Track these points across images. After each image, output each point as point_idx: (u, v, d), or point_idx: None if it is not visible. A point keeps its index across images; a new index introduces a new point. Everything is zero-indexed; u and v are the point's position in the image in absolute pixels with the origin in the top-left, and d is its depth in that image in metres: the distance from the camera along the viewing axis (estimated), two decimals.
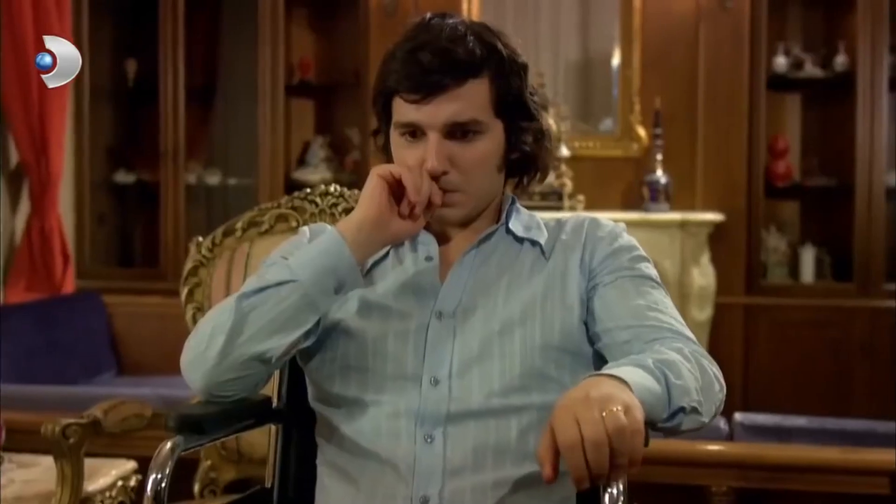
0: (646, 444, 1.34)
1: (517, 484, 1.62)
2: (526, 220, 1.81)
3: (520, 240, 1.77)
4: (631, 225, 1.88)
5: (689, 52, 5.55)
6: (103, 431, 2.48)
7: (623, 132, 5.65)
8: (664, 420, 1.48)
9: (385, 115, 1.75)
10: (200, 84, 6.03)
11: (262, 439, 2.20)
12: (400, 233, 1.68)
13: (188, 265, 2.70)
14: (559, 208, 5.34)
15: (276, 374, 1.86)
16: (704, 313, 5.35)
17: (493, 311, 1.69)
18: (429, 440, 1.63)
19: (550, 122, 1.97)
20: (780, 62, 5.59)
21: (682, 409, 1.48)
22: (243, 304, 1.63)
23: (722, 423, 2.91)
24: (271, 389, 1.87)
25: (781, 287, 5.62)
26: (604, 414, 1.28)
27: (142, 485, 2.99)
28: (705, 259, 5.43)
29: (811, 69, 5.61)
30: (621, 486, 1.39)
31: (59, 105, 5.23)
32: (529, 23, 5.63)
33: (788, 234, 5.77)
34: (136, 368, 5.16)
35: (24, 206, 5.35)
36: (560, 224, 1.81)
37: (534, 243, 1.77)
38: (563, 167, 5.38)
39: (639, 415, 1.31)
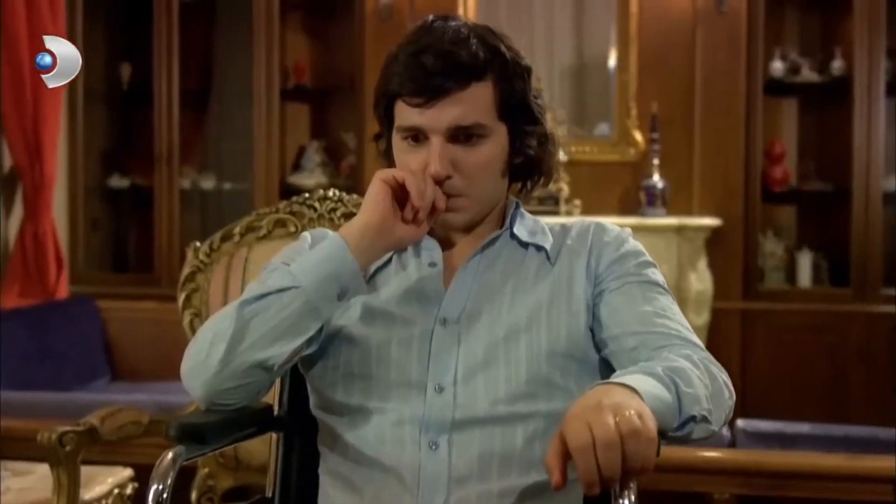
0: (657, 453, 1.32)
1: (523, 493, 1.60)
2: (530, 224, 1.78)
3: (524, 245, 1.75)
4: None
5: (686, 56, 5.54)
6: (100, 439, 2.45)
7: (620, 136, 5.64)
8: (674, 429, 1.46)
9: (387, 119, 1.73)
10: (195, 88, 6.01)
11: (261, 446, 2.18)
12: (403, 238, 1.66)
13: (185, 270, 2.68)
14: (556, 213, 5.32)
15: (277, 381, 1.83)
16: (701, 318, 5.34)
17: (497, 317, 1.67)
18: (433, 447, 1.60)
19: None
20: (777, 67, 5.58)
21: (692, 418, 1.46)
22: (245, 310, 1.60)
23: (724, 430, 2.87)
24: (272, 397, 1.85)
25: (778, 292, 5.61)
26: (617, 418, 1.26)
27: (139, 493, 2.98)
28: (702, 264, 5.41)
29: (808, 74, 5.61)
30: (633, 497, 1.36)
31: (52, 109, 5.19)
32: (524, 27, 5.61)
33: (785, 239, 5.76)
34: (131, 374, 5.13)
35: (18, 211, 5.31)
36: (565, 229, 1.79)
37: (539, 248, 1.75)
38: (560, 172, 5.36)
39: (651, 423, 1.29)
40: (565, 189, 5.44)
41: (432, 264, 1.73)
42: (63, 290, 5.32)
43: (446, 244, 1.75)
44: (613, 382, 1.39)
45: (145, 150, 5.88)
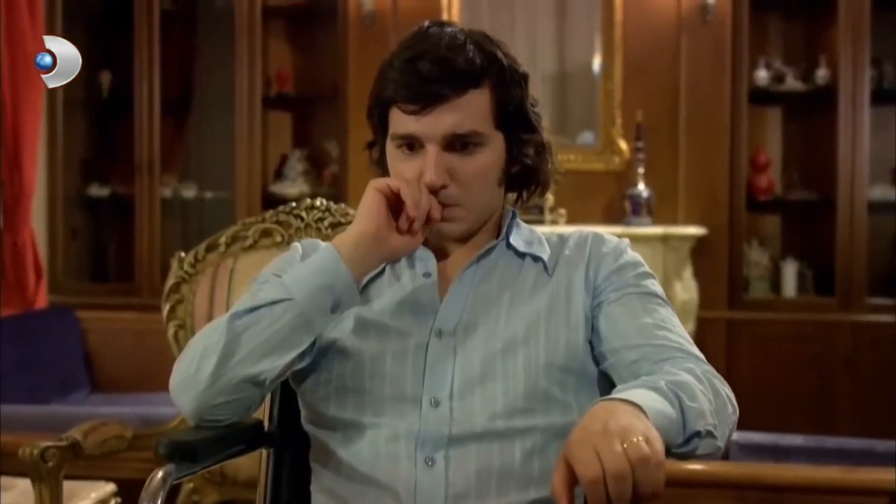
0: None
1: None
2: (527, 234, 1.75)
3: (521, 255, 1.71)
4: None
5: (671, 64, 5.52)
6: (83, 454, 2.39)
7: (605, 145, 5.61)
8: (679, 445, 1.42)
9: (381, 126, 1.69)
10: (176, 96, 5.96)
11: (248, 461, 2.12)
12: (398, 249, 1.61)
13: (170, 281, 2.63)
14: (540, 222, 5.29)
15: (267, 395, 1.78)
16: (687, 328, 5.20)
17: (494, 329, 1.63)
18: (430, 463, 1.56)
19: None
20: (762, 76, 5.56)
21: (697, 434, 1.42)
22: (235, 323, 1.56)
23: None
24: (262, 412, 1.80)
25: (763, 301, 5.59)
26: (625, 445, 1.22)
27: None
28: (688, 273, 5.39)
29: (792, 82, 5.60)
30: None
31: (32, 117, 5.12)
32: (505, 34, 5.51)
33: (770, 249, 5.74)
34: (111, 386, 5.06)
35: None
36: (562, 239, 1.75)
37: (536, 259, 1.71)
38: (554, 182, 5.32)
39: (659, 446, 1.25)
40: (550, 198, 5.41)
41: (427, 275, 1.69)
42: (42, 301, 5.25)
43: (441, 254, 1.71)
44: (616, 399, 1.35)
45: (125, 159, 5.83)
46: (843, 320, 5.40)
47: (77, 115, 5.94)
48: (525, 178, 1.72)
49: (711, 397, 1.48)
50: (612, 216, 5.57)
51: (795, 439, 2.85)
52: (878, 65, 5.50)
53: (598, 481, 1.21)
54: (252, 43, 5.66)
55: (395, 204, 1.60)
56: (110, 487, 2.94)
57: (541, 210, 5.37)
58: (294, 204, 2.65)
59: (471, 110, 1.61)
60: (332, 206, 2.64)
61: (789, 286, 5.60)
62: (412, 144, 1.63)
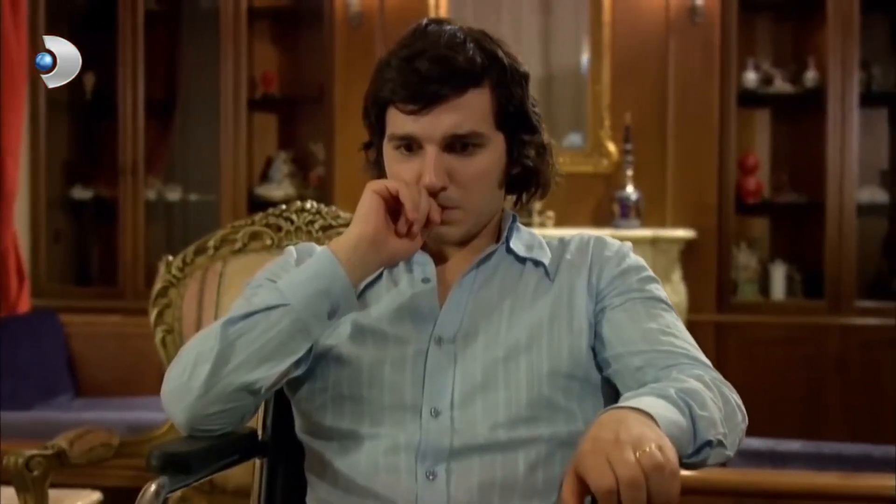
0: None
1: None
2: (527, 238, 1.70)
3: (522, 260, 1.67)
4: None
5: (660, 66, 5.49)
6: (69, 462, 2.34)
7: (593, 147, 5.57)
8: (689, 455, 1.38)
9: (378, 127, 1.64)
10: (160, 97, 5.90)
11: (238, 469, 2.06)
12: (397, 253, 1.57)
13: (157, 285, 2.58)
14: (529, 224, 5.22)
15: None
16: None
17: (496, 336, 1.59)
18: (431, 477, 1.51)
19: None
20: (750, 77, 5.54)
21: (708, 443, 1.39)
22: (229, 330, 1.51)
23: None
24: (255, 421, 1.75)
25: (752, 304, 5.56)
26: (638, 454, 1.18)
27: None
28: (677, 276, 5.36)
29: (781, 84, 5.57)
30: None
31: (14, 119, 5.06)
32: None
33: (758, 251, 5.72)
34: (95, 390, 5.01)
35: None
36: (563, 243, 1.71)
37: (537, 263, 1.66)
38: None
39: (673, 454, 1.21)
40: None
41: (426, 280, 1.64)
42: (24, 304, 5.19)
43: (440, 259, 1.67)
44: (625, 407, 1.31)
45: (109, 161, 5.76)
46: (832, 323, 5.38)
47: (60, 117, 5.86)
48: (525, 180, 1.68)
49: (721, 405, 1.45)
50: (601, 219, 5.53)
51: (793, 445, 2.82)
52: (866, 67, 5.48)
53: (612, 491, 1.18)
54: (237, 44, 5.60)
55: (393, 206, 1.56)
56: (96, 496, 2.89)
57: (529, 213, 5.33)
58: (284, 206, 2.61)
59: (471, 110, 1.57)
60: (323, 208, 2.60)
61: (778, 289, 5.57)
62: (410, 145, 1.59)
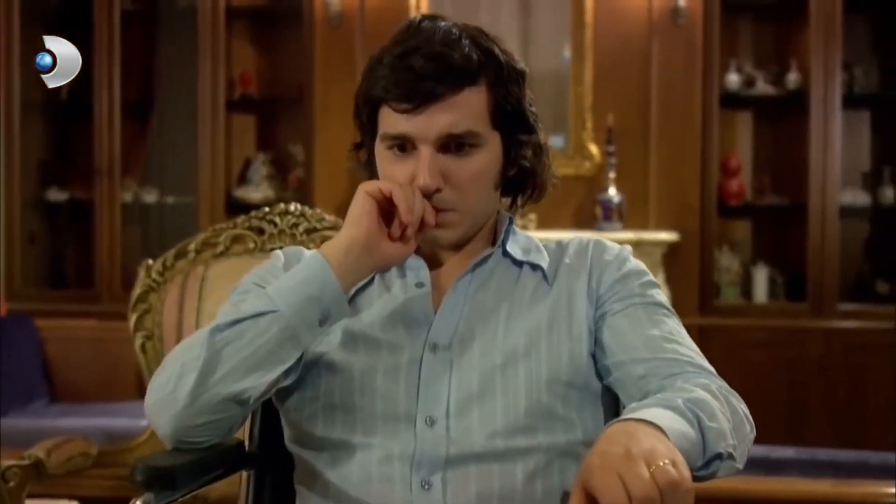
0: None
1: None
2: (524, 241, 1.65)
3: (518, 263, 1.62)
4: None
5: (642, 68, 5.45)
6: (46, 472, 2.27)
7: (575, 150, 5.53)
8: (699, 468, 1.32)
9: (370, 126, 1.58)
10: (137, 98, 5.82)
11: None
12: (391, 257, 1.51)
13: (137, 290, 2.52)
14: None
15: None
16: None
17: (492, 342, 1.53)
18: (426, 487, 1.46)
19: None
20: (732, 79, 5.51)
21: (718, 456, 1.34)
22: (216, 338, 1.45)
23: None
24: (242, 430, 1.68)
25: (735, 307, 5.53)
26: (652, 469, 1.13)
27: None
28: (659, 279, 5.31)
29: (763, 86, 5.54)
30: None
31: None
32: None
33: (741, 254, 5.69)
34: (70, 395, 4.93)
35: None
36: (561, 246, 1.65)
37: (534, 267, 1.61)
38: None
39: (686, 471, 1.16)
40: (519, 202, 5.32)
41: (419, 285, 1.58)
42: None
43: (433, 263, 1.61)
44: (634, 419, 1.25)
45: (85, 163, 5.68)
46: (815, 326, 5.35)
47: (35, 118, 5.78)
48: (522, 181, 1.63)
49: (729, 416, 1.40)
50: (583, 221, 5.49)
51: (787, 451, 2.78)
52: (849, 69, 5.46)
53: None
54: (215, 44, 5.53)
55: (386, 209, 1.50)
56: None
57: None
58: (267, 209, 2.55)
59: (467, 109, 1.52)
60: (308, 211, 2.55)
61: (760, 292, 5.54)
62: (404, 145, 1.53)
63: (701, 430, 1.32)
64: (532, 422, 1.49)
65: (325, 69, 5.34)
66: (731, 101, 5.55)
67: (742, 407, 1.46)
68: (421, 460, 1.46)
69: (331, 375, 1.54)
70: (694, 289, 5.46)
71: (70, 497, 2.83)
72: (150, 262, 2.55)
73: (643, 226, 5.43)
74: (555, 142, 5.61)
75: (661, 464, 1.14)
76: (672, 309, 1.61)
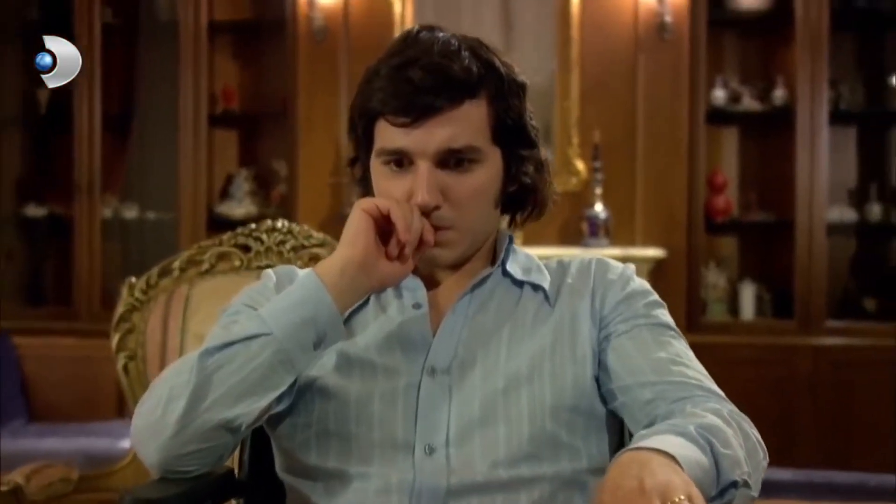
0: None
1: None
2: (524, 261, 1.59)
3: (519, 283, 1.56)
4: None
5: (629, 83, 5.41)
6: (26, 499, 2.20)
7: (561, 165, 5.47)
8: (713, 498, 1.26)
9: (365, 141, 1.52)
10: (117, 112, 5.72)
11: None
12: (388, 277, 1.45)
13: (120, 309, 2.44)
14: None
15: None
16: None
17: (494, 366, 1.47)
18: None
19: None
20: (719, 95, 5.47)
21: (733, 484, 1.28)
22: (206, 362, 1.38)
23: None
24: (231, 458, 1.62)
25: (722, 324, 5.47)
26: None
27: None
28: None
29: (749, 102, 5.50)
30: None
31: None
32: None
33: (727, 270, 5.65)
34: (49, 414, 4.87)
35: None
36: (563, 266, 1.60)
37: (535, 287, 1.55)
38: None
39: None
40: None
41: (417, 306, 1.52)
42: None
43: (431, 283, 1.55)
44: (646, 448, 1.19)
45: (64, 178, 5.58)
46: (803, 343, 5.30)
47: (13, 133, 5.70)
48: (523, 198, 1.57)
49: (742, 442, 1.34)
50: (569, 237, 5.43)
51: (784, 473, 2.73)
52: (835, 85, 5.42)
53: None
54: (197, 58, 5.46)
55: (383, 227, 1.44)
56: None
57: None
58: (254, 226, 2.48)
59: (466, 123, 1.46)
60: (295, 227, 2.48)
61: (747, 309, 5.49)
62: (401, 160, 1.48)
63: (714, 457, 1.26)
64: (536, 450, 1.43)
65: (308, 84, 5.28)
66: (718, 116, 5.50)
67: (754, 432, 1.40)
68: (420, 491, 1.40)
69: (325, 401, 1.47)
70: (681, 305, 5.39)
71: None
72: (133, 279, 2.47)
73: (630, 242, 5.38)
74: None
75: (678, 500, 1.08)
76: (678, 330, 1.56)
